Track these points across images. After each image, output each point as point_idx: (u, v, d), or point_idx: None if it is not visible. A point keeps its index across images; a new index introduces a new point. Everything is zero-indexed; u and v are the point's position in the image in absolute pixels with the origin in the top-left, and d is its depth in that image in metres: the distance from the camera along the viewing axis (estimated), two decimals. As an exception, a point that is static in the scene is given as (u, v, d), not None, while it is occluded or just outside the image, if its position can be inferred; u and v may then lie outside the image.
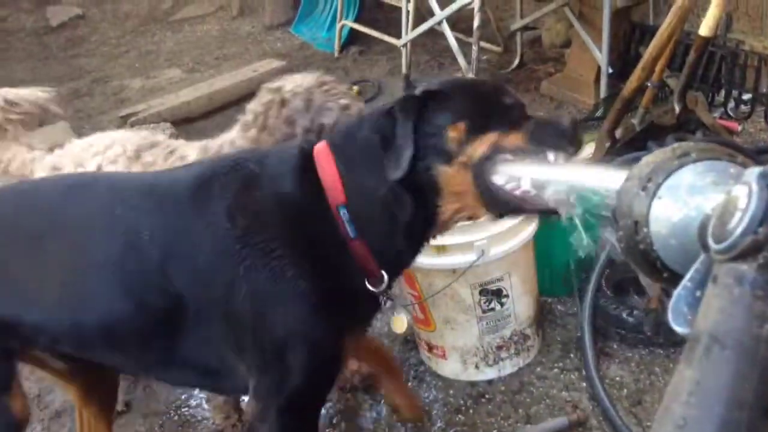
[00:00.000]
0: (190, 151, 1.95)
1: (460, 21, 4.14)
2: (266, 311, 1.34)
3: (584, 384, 2.10)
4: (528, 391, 2.12)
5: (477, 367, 2.16)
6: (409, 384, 2.21)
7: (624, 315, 2.18)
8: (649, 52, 2.68)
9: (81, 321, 1.44)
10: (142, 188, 1.47)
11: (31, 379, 2.15)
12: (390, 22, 4.65)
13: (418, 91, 1.35)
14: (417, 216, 1.33)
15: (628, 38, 3.68)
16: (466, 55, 3.52)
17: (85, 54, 5.91)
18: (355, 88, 4.33)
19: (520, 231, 2.04)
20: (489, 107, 1.33)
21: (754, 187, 0.52)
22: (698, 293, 0.57)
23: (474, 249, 1.96)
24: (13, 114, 2.05)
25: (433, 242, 1.94)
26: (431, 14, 3.80)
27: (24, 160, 2.08)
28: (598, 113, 3.33)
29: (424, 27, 3.91)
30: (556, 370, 2.18)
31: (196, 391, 2.32)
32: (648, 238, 0.65)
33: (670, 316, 0.58)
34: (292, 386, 1.37)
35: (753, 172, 0.53)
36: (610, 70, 3.50)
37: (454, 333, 2.12)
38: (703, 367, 0.50)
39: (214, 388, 1.75)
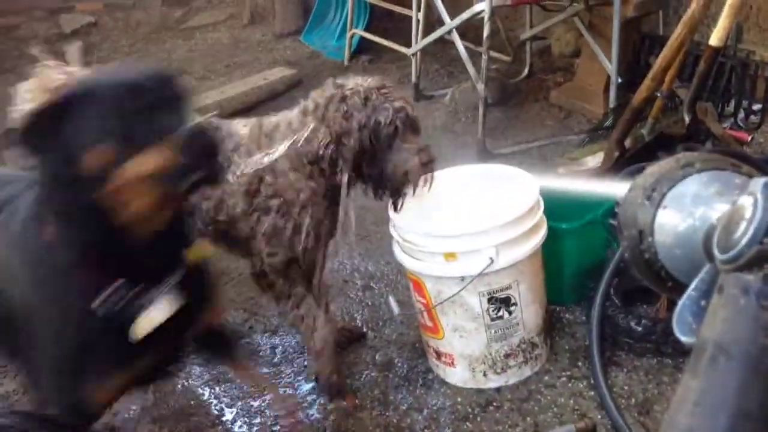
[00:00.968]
0: (241, 127, 2.05)
1: (469, 30, 4.15)
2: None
3: (592, 393, 2.10)
4: (536, 399, 2.12)
5: (485, 375, 2.16)
6: (417, 391, 2.21)
7: (632, 324, 2.18)
8: (658, 62, 2.69)
9: None
10: None
11: None
12: (400, 31, 4.67)
13: (34, 108, 1.27)
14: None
15: (638, 48, 3.69)
16: (476, 64, 3.53)
17: (97, 61, 5.94)
18: (365, 96, 4.35)
19: (529, 239, 2.05)
20: (136, 114, 1.25)
21: (760, 198, 0.53)
22: (703, 303, 0.57)
23: (483, 256, 1.96)
24: None
25: (442, 249, 1.99)
26: (441, 23, 3.82)
27: None
28: (607, 123, 3.34)
29: (433, 36, 3.93)
30: (564, 378, 2.18)
31: (205, 397, 2.33)
32: (653, 248, 0.65)
33: (675, 326, 0.58)
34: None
35: (758, 182, 0.53)
36: (619, 80, 3.51)
37: (462, 341, 2.12)
38: (709, 377, 0.50)
39: None
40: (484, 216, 2.02)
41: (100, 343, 1.41)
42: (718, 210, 0.60)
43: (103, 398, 1.48)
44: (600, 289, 2.21)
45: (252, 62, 5.34)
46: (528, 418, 2.06)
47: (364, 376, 2.31)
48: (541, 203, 2.12)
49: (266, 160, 1.90)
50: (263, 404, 2.25)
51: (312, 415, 2.20)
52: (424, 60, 4.37)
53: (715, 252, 0.55)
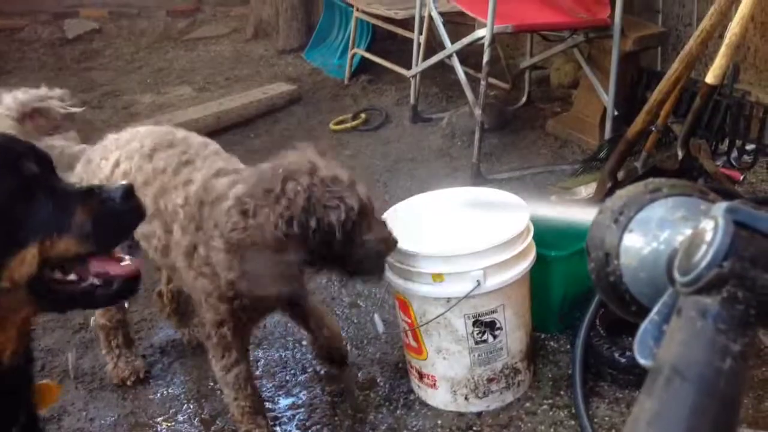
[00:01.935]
0: (197, 179, 1.88)
1: (470, 56, 4.18)
2: None
3: (573, 422, 2.09)
4: (516, 426, 2.11)
5: (467, 398, 2.15)
6: (398, 412, 2.20)
7: (616, 355, 2.17)
8: (654, 96, 2.71)
9: None
10: None
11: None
12: (401, 53, 4.70)
13: None
14: None
15: (636, 82, 3.72)
16: (474, 90, 3.55)
17: (99, 67, 5.98)
18: (363, 115, 4.38)
19: (517, 264, 2.04)
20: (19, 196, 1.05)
21: (720, 221, 0.53)
22: (665, 327, 0.57)
23: (470, 279, 1.96)
24: (41, 120, 2.06)
25: (430, 269, 1.98)
26: (442, 48, 3.84)
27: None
28: (602, 154, 3.36)
29: (434, 59, 3.96)
30: (545, 406, 2.17)
31: (185, 407, 2.31)
32: (618, 271, 0.65)
33: (635, 349, 0.58)
34: None
35: (720, 206, 0.54)
36: (616, 113, 3.53)
37: (445, 363, 2.11)
38: (663, 398, 0.50)
39: None
40: (473, 238, 2.02)
41: None
42: (682, 234, 0.60)
43: None
44: (585, 319, 2.21)
45: (253, 76, 5.36)
46: (507, 445, 2.05)
47: (345, 394, 2.29)
48: (531, 229, 2.12)
49: None
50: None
51: (290, 431, 2.18)
52: (424, 83, 4.40)
53: (676, 275, 0.56)
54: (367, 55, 4.86)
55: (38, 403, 1.22)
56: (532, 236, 2.11)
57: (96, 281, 1.15)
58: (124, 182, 1.17)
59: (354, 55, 4.93)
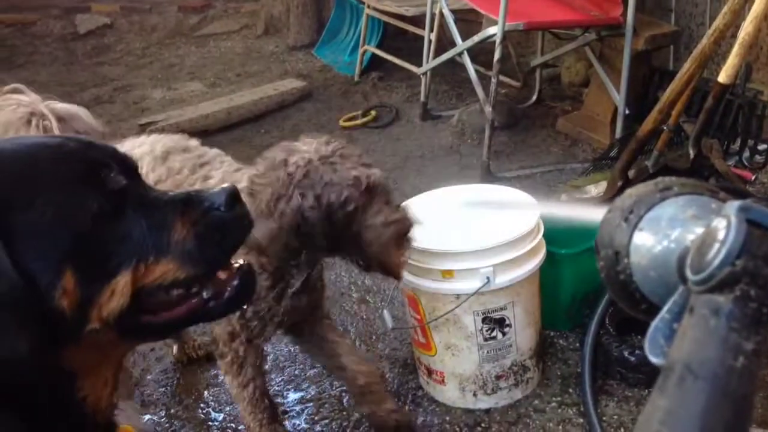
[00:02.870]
0: (216, 175, 1.85)
1: (480, 54, 4.18)
2: None
3: (581, 420, 2.09)
4: (524, 423, 2.11)
5: (475, 395, 2.15)
6: (406, 408, 2.20)
7: (626, 354, 2.17)
8: (666, 95, 2.70)
9: None
10: None
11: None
12: (411, 50, 4.70)
13: None
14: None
15: (647, 82, 3.71)
16: (485, 88, 3.55)
17: (110, 62, 6.00)
18: (373, 112, 4.38)
19: (527, 261, 2.04)
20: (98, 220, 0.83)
21: (733, 220, 0.53)
22: (675, 325, 0.57)
23: (479, 276, 1.96)
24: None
25: (440, 266, 1.99)
26: (453, 45, 3.84)
27: None
28: (612, 153, 3.36)
29: (444, 57, 3.96)
30: (554, 404, 2.17)
31: (192, 399, 2.32)
32: (628, 269, 0.65)
33: (646, 347, 0.58)
34: None
35: (732, 205, 0.54)
36: (627, 112, 3.52)
37: (454, 359, 2.11)
38: (676, 396, 0.50)
39: None
40: (483, 236, 2.02)
41: None
42: (693, 233, 0.60)
43: None
44: (595, 317, 2.21)
45: (263, 72, 5.37)
46: (515, 442, 2.05)
47: (353, 389, 2.30)
48: (541, 227, 2.12)
49: None
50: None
51: (299, 425, 2.19)
52: (434, 80, 4.40)
53: (688, 273, 0.56)
54: (378, 52, 4.86)
55: None
56: (542, 234, 2.11)
57: (205, 293, 0.94)
58: (225, 185, 0.96)
59: (364, 52, 4.93)
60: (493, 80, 3.42)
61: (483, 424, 2.12)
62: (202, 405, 2.30)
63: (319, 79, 5.08)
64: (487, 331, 2.06)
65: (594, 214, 0.85)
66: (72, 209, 0.81)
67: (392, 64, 4.73)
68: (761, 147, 3.25)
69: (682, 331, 0.54)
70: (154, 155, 1.92)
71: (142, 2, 6.98)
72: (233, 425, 2.21)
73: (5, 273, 0.75)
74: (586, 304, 2.32)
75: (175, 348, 2.45)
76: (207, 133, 4.33)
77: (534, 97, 4.35)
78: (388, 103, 4.54)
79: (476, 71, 3.70)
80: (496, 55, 3.36)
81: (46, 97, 1.82)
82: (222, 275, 0.96)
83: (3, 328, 0.75)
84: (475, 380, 2.13)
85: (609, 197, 2.85)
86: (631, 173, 2.88)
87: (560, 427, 2.09)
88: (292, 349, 2.50)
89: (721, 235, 0.53)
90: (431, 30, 4.16)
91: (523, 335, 2.12)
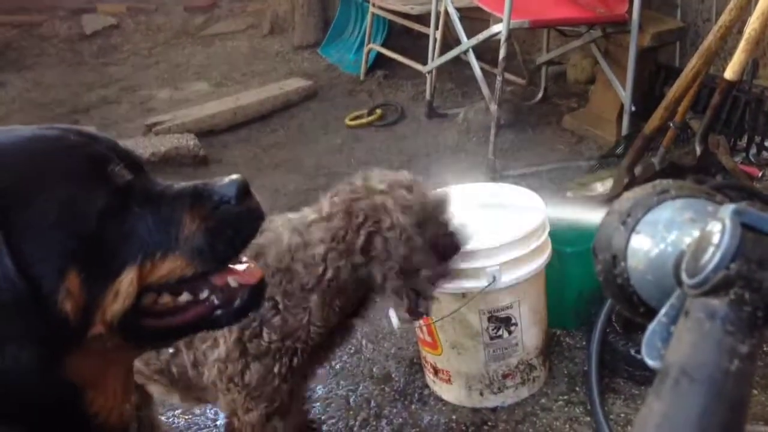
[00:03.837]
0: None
1: (486, 51, 4.17)
2: None
3: (588, 419, 2.09)
4: (531, 421, 2.11)
5: (481, 394, 2.15)
6: (412, 407, 2.21)
7: (632, 352, 2.17)
8: (672, 92, 2.69)
9: None
10: None
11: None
12: (417, 48, 4.70)
13: None
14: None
15: (653, 78, 3.70)
16: (490, 85, 3.55)
17: (116, 63, 6.02)
18: (378, 111, 4.39)
19: (533, 260, 2.04)
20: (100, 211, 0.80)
21: (728, 224, 0.53)
22: (672, 328, 0.57)
23: (485, 275, 1.96)
24: None
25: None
26: (458, 43, 3.84)
27: None
28: (619, 150, 3.35)
29: (450, 55, 3.96)
30: (560, 402, 2.17)
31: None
32: (625, 273, 0.66)
33: (643, 350, 0.59)
34: None
35: (727, 208, 0.54)
36: (633, 109, 3.51)
37: (460, 358, 2.12)
38: (671, 399, 0.51)
39: None
40: (488, 234, 2.02)
41: None
42: (689, 236, 0.61)
43: None
44: (601, 315, 2.20)
45: (269, 72, 5.38)
46: (522, 440, 2.05)
47: (360, 388, 2.30)
48: (547, 225, 2.12)
49: None
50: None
51: (306, 424, 2.20)
52: (439, 78, 4.40)
53: (684, 277, 0.56)
54: (383, 51, 4.86)
55: None
56: (548, 232, 2.11)
57: (215, 299, 0.90)
58: (234, 176, 0.91)
59: (370, 50, 4.93)
60: (499, 78, 3.41)
61: (490, 423, 2.12)
62: (209, 405, 2.31)
63: (325, 78, 5.08)
64: (493, 329, 2.06)
65: (598, 216, 0.85)
66: (76, 207, 0.77)
67: (397, 62, 4.73)
68: (768, 143, 3.23)
69: (678, 334, 0.54)
70: None
71: (148, 2, 6.99)
72: (240, 425, 2.22)
73: (9, 279, 0.72)
74: (592, 302, 2.31)
75: None
76: (213, 132, 4.35)
77: (540, 95, 4.34)
78: (393, 101, 4.55)
79: (482, 69, 3.70)
80: (502, 53, 3.36)
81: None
82: (233, 283, 0.91)
83: (7, 338, 0.72)
84: (481, 379, 2.13)
85: (615, 195, 2.84)
86: (637, 170, 2.87)
87: (567, 425, 2.09)
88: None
89: (715, 238, 0.53)
90: (436, 28, 4.16)
91: (529, 334, 2.12)
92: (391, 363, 2.40)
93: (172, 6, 6.95)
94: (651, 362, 0.57)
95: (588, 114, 3.94)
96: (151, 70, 5.76)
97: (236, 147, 4.21)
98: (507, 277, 1.99)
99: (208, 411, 2.28)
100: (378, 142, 4.09)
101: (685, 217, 0.62)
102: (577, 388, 2.21)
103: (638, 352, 2.16)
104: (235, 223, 0.88)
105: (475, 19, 4.16)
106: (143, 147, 3.88)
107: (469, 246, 1.99)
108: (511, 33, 3.36)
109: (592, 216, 0.95)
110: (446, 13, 3.99)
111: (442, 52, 4.08)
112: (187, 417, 2.26)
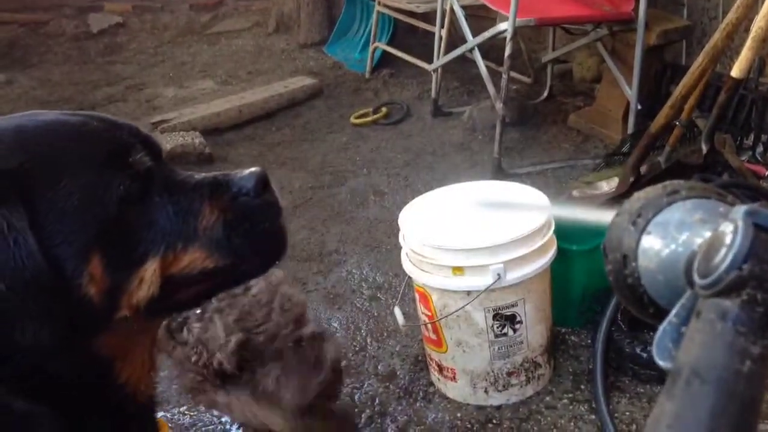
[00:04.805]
0: None
1: (491, 50, 4.17)
2: None
3: (593, 417, 2.09)
4: (536, 419, 2.11)
5: (486, 391, 2.15)
6: (417, 404, 2.21)
7: (638, 350, 2.16)
8: (678, 90, 2.68)
9: None
10: None
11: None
12: (422, 47, 4.70)
13: None
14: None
15: (659, 77, 3.69)
16: (496, 84, 3.54)
17: (122, 61, 6.04)
18: (384, 109, 4.39)
19: (538, 258, 2.04)
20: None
21: (740, 224, 0.53)
22: (683, 329, 0.57)
23: (490, 273, 1.96)
24: None
25: (450, 263, 1.99)
26: (464, 41, 3.83)
27: None
28: (624, 149, 3.34)
29: (455, 53, 3.95)
30: (565, 400, 2.17)
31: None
32: (636, 273, 0.65)
33: (654, 351, 0.58)
34: None
35: (740, 209, 0.54)
36: (639, 107, 3.50)
37: (465, 356, 2.11)
38: (683, 400, 0.50)
39: None
40: (493, 232, 2.02)
41: None
42: (701, 237, 0.60)
43: None
44: (607, 313, 2.20)
45: (274, 70, 5.39)
46: (527, 439, 2.05)
47: (365, 385, 2.30)
48: (552, 223, 2.11)
49: None
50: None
51: (311, 421, 2.20)
52: (445, 77, 4.39)
53: (695, 277, 0.56)
54: (389, 49, 4.86)
55: None
56: (553, 230, 2.11)
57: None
58: (253, 168, 0.91)
59: (375, 48, 4.93)
60: (504, 76, 3.41)
61: (494, 421, 2.12)
62: (214, 402, 2.32)
63: (330, 77, 5.08)
64: (498, 327, 2.06)
65: (606, 216, 0.85)
66: (98, 192, 0.78)
67: (403, 60, 4.72)
68: (775, 142, 3.22)
69: (689, 335, 0.54)
70: None
71: (153, 1, 7.01)
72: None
73: (31, 257, 0.72)
74: (597, 300, 2.31)
75: None
76: (218, 130, 4.35)
77: (545, 93, 4.33)
78: (398, 99, 4.54)
79: (487, 67, 3.69)
80: (507, 51, 3.35)
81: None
82: None
83: (27, 315, 0.73)
84: (486, 377, 2.13)
85: (621, 193, 2.84)
86: (643, 169, 2.87)
87: (572, 423, 2.08)
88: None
89: (728, 239, 0.53)
90: (442, 26, 4.15)
91: (534, 332, 2.12)
92: (395, 360, 2.40)
93: (178, 4, 6.97)
94: (662, 363, 0.57)
95: (594, 112, 3.93)
96: (157, 68, 5.77)
97: (241, 145, 4.22)
98: (512, 275, 1.98)
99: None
100: (383, 141, 4.09)
101: (695, 217, 0.62)
102: (582, 387, 2.21)
103: (644, 350, 2.16)
104: (254, 215, 0.89)
105: (480, 18, 4.16)
106: (149, 145, 3.88)
107: (475, 243, 2.00)
108: (517, 31, 3.35)
109: (598, 216, 0.95)
110: (452, 11, 3.99)
111: (448, 51, 4.08)
112: (192, 414, 2.27)
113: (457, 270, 1.99)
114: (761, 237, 0.53)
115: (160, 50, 6.20)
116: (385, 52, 4.91)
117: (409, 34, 5.06)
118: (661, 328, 0.58)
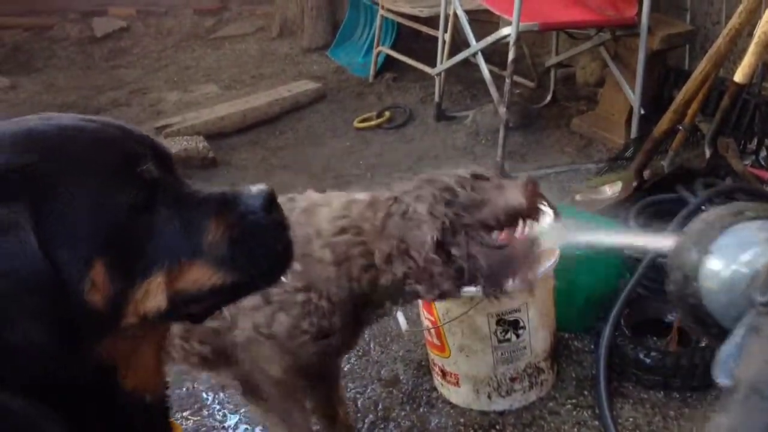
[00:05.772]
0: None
1: (495, 54, 4.17)
2: None
3: (596, 423, 2.08)
4: (539, 425, 2.11)
5: (489, 397, 2.15)
6: (420, 410, 2.21)
7: (641, 356, 2.16)
8: (681, 94, 2.69)
9: None
10: None
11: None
12: (426, 51, 4.70)
13: None
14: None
15: (662, 81, 3.69)
16: (499, 88, 3.54)
17: (126, 65, 6.05)
18: (387, 113, 4.39)
19: (541, 264, 2.04)
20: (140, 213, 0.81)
21: None
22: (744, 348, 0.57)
23: (493, 278, 1.96)
24: None
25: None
26: (467, 46, 3.84)
27: None
28: (628, 153, 3.34)
29: (458, 57, 3.95)
30: (568, 406, 2.16)
31: (210, 401, 2.34)
32: (697, 293, 0.65)
33: (716, 371, 0.58)
34: None
35: None
36: (642, 112, 3.50)
37: (468, 361, 2.11)
38: (740, 415, 0.50)
39: None
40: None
41: None
42: (763, 257, 0.60)
43: None
44: (610, 319, 2.20)
45: (278, 74, 5.39)
46: (530, 444, 2.05)
47: (368, 390, 2.30)
48: (556, 228, 2.11)
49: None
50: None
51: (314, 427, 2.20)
52: (448, 81, 4.39)
53: (756, 295, 0.56)
54: (392, 53, 4.87)
55: None
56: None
57: None
58: (261, 186, 0.91)
59: (379, 53, 4.94)
60: (508, 80, 3.41)
61: (497, 426, 2.12)
62: (216, 406, 2.32)
63: (334, 81, 5.09)
64: (501, 333, 2.06)
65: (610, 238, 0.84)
66: (106, 199, 0.78)
67: (406, 65, 4.73)
68: (778, 146, 3.21)
69: (748, 351, 0.54)
70: None
71: (158, 5, 7.02)
72: (248, 427, 2.22)
73: (30, 255, 0.72)
74: (601, 306, 2.31)
75: None
76: (222, 135, 4.36)
77: (548, 98, 4.34)
78: (402, 104, 4.55)
79: (490, 72, 3.70)
80: (511, 56, 3.36)
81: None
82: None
83: (20, 313, 0.72)
84: (489, 382, 2.13)
85: (624, 198, 2.84)
86: (646, 173, 2.87)
87: (575, 429, 2.08)
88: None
89: None
90: (445, 31, 4.16)
91: (537, 337, 2.11)
92: (399, 366, 2.40)
93: (182, 9, 6.97)
94: (723, 381, 0.56)
95: (597, 117, 3.93)
96: (161, 72, 5.78)
97: (245, 149, 4.22)
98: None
99: (216, 413, 2.29)
100: (386, 145, 4.10)
101: (759, 238, 0.62)
102: (585, 392, 2.20)
103: (647, 356, 2.16)
104: (261, 235, 0.88)
105: (484, 22, 4.16)
106: (153, 149, 3.89)
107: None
108: (520, 36, 3.35)
109: (611, 239, 0.94)
110: (455, 15, 3.99)
111: (451, 55, 4.08)
112: (195, 419, 2.27)
113: (460, 275, 1.99)
114: None
115: (164, 55, 6.21)
116: (388, 57, 4.92)
117: (413, 39, 5.07)
118: (723, 348, 0.58)
